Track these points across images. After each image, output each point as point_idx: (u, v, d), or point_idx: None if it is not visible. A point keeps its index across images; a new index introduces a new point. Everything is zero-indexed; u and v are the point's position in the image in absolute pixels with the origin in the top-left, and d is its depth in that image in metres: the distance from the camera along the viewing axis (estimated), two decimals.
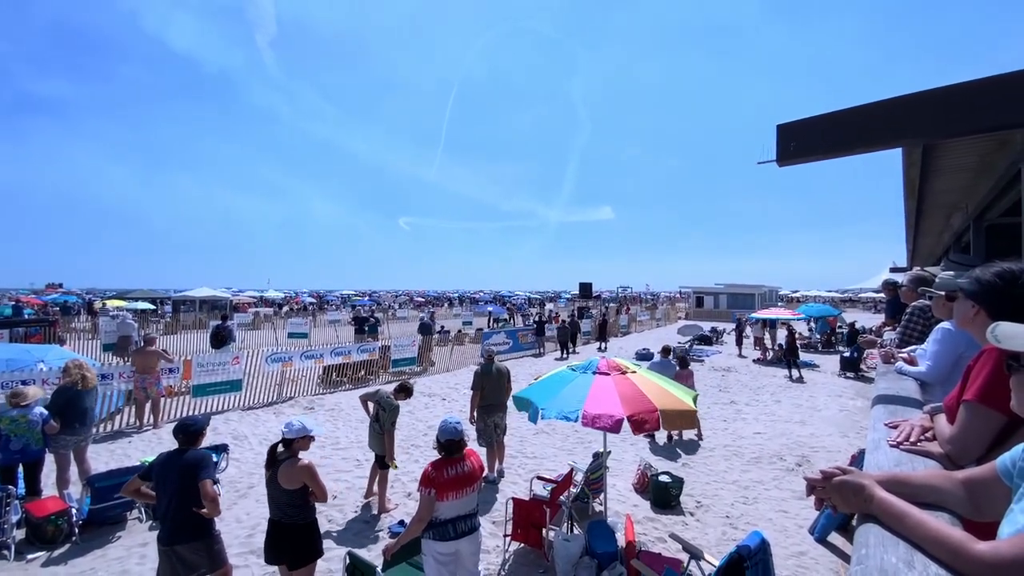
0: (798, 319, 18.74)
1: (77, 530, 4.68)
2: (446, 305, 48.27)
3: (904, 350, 2.65)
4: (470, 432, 4.59)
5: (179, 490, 3.22)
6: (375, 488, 5.45)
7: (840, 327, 20.96)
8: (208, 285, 36.74)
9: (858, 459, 5.34)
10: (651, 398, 4.02)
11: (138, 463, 5.54)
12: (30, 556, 4.39)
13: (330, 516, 5.21)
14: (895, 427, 1.46)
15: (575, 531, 4.66)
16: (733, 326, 20.65)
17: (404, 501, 5.58)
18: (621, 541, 4.34)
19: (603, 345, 20.08)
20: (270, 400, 10.04)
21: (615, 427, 3.78)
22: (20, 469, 5.07)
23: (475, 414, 6.30)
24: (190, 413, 8.58)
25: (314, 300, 48.10)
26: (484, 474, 3.62)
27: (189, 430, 3.41)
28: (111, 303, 28.40)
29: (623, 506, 5.53)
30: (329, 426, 8.42)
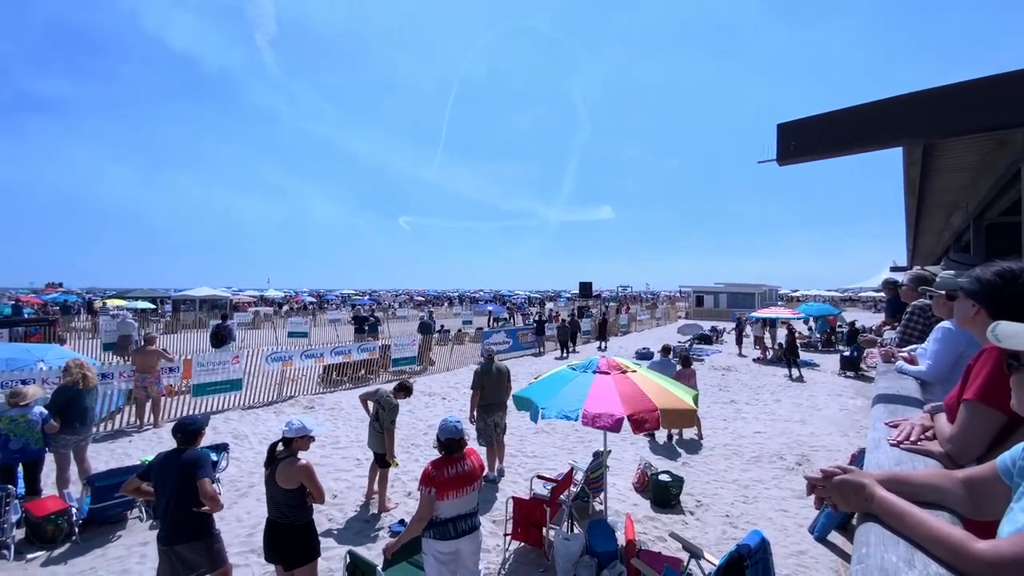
0: (798, 318, 18.74)
1: (77, 529, 4.68)
2: (446, 304, 48.28)
3: (904, 349, 2.65)
4: (470, 431, 4.59)
5: (178, 490, 3.22)
6: (375, 487, 5.45)
7: (840, 326, 20.97)
8: (208, 284, 36.74)
9: (858, 458, 5.34)
10: (651, 397, 4.02)
11: (138, 462, 5.54)
12: (30, 556, 4.39)
13: (330, 515, 5.21)
14: (895, 426, 1.46)
15: (575, 530, 4.67)
16: (733, 325, 20.65)
17: (404, 500, 5.59)
18: (621, 540, 4.35)
19: (603, 344, 20.08)
20: (270, 399, 10.04)
21: (615, 426, 3.78)
22: (20, 468, 5.07)
23: (475, 413, 6.30)
24: (190, 412, 8.59)
25: (314, 299, 48.11)
26: (484, 473, 3.62)
27: (188, 429, 3.41)
28: (111, 302, 28.41)
29: (623, 505, 5.53)
30: (329, 425, 8.42)
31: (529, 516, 4.44)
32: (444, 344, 17.07)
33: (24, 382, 6.36)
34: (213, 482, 3.47)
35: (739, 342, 18.51)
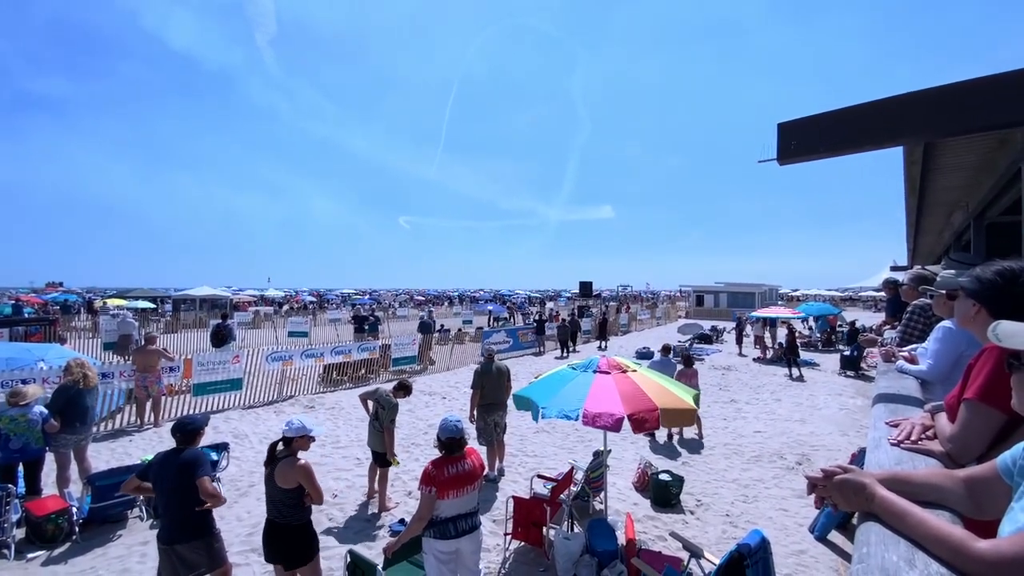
0: (798, 318, 18.73)
1: (77, 529, 4.68)
2: (446, 304, 48.28)
3: (905, 349, 2.65)
4: (470, 431, 4.59)
5: (176, 489, 3.23)
6: (376, 487, 5.46)
7: (840, 326, 20.97)
8: (208, 284, 36.76)
9: (858, 457, 5.34)
10: (651, 397, 4.02)
11: (139, 461, 5.55)
12: (30, 555, 4.40)
13: (331, 515, 5.21)
14: (896, 425, 1.46)
15: (575, 529, 4.67)
16: (733, 325, 20.65)
17: (405, 499, 5.59)
18: (621, 539, 4.35)
19: (603, 344, 20.07)
20: (270, 399, 10.04)
21: (616, 426, 3.78)
22: (20, 468, 5.08)
23: (475, 413, 6.30)
24: (191, 412, 8.60)
25: (314, 299, 48.11)
26: (484, 473, 3.62)
27: (186, 428, 3.41)
28: (111, 302, 28.42)
29: (623, 504, 5.53)
30: (329, 425, 8.42)
31: (529, 515, 4.45)
32: (444, 344, 17.07)
33: (24, 381, 6.37)
34: (213, 480, 3.48)
35: (739, 341, 18.50)
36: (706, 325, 23.04)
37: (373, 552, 4.27)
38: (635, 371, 4.54)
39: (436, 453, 3.37)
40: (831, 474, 1.07)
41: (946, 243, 9.78)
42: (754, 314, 19.34)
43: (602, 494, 5.13)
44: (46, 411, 5.17)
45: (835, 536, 4.89)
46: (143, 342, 8.74)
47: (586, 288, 38.49)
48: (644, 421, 3.83)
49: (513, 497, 4.68)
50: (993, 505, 0.91)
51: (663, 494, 5.55)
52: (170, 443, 3.45)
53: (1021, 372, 0.95)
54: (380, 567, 3.21)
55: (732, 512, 5.42)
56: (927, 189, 5.92)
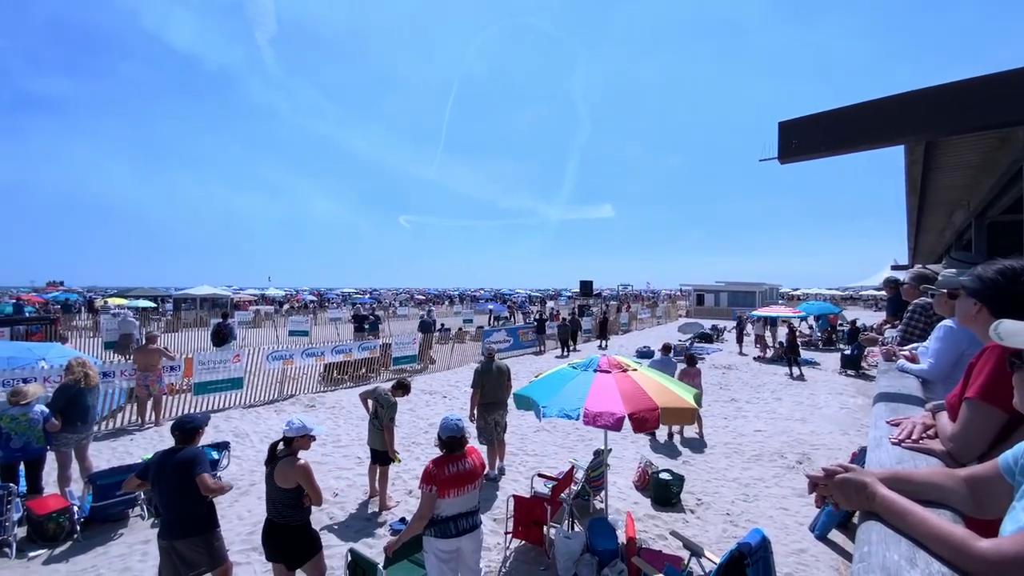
0: (799, 317, 18.72)
1: (79, 528, 4.69)
2: (446, 303, 48.30)
3: (906, 348, 2.65)
4: (471, 430, 4.59)
5: (175, 488, 3.24)
6: (376, 486, 5.46)
7: (841, 325, 20.95)
8: (209, 283, 36.77)
9: (859, 457, 5.34)
10: (652, 396, 4.02)
11: (140, 460, 5.56)
12: (32, 554, 4.40)
13: (331, 514, 5.22)
14: (897, 424, 1.46)
15: (576, 528, 4.67)
16: (734, 324, 20.64)
17: (405, 499, 5.59)
18: (622, 538, 4.35)
19: (604, 343, 20.07)
20: (271, 398, 10.05)
21: (616, 425, 3.78)
22: (21, 467, 5.09)
23: (475, 412, 6.31)
24: (191, 411, 8.61)
25: (315, 298, 48.13)
26: (485, 472, 3.63)
27: (185, 427, 3.43)
28: (112, 301, 28.43)
29: (624, 504, 5.53)
30: (330, 424, 8.43)
31: (530, 514, 4.45)
32: (445, 343, 17.07)
33: (25, 380, 6.37)
34: (213, 476, 3.49)
35: (740, 341, 18.50)
36: (707, 324, 23.02)
37: (374, 551, 4.27)
38: (636, 370, 4.54)
39: (437, 452, 3.37)
40: (832, 473, 1.07)
41: (947, 242, 9.77)
42: (755, 313, 19.33)
43: (603, 493, 5.13)
44: (47, 410, 5.18)
45: (836, 535, 4.89)
46: (144, 341, 8.76)
47: (586, 287, 38.47)
48: (645, 420, 3.83)
49: (514, 496, 4.68)
50: (994, 504, 0.91)
51: (664, 493, 5.55)
52: (171, 442, 3.47)
53: (1023, 371, 0.95)
54: (381, 566, 3.22)
55: (732, 511, 5.42)
56: (928, 188, 5.91)
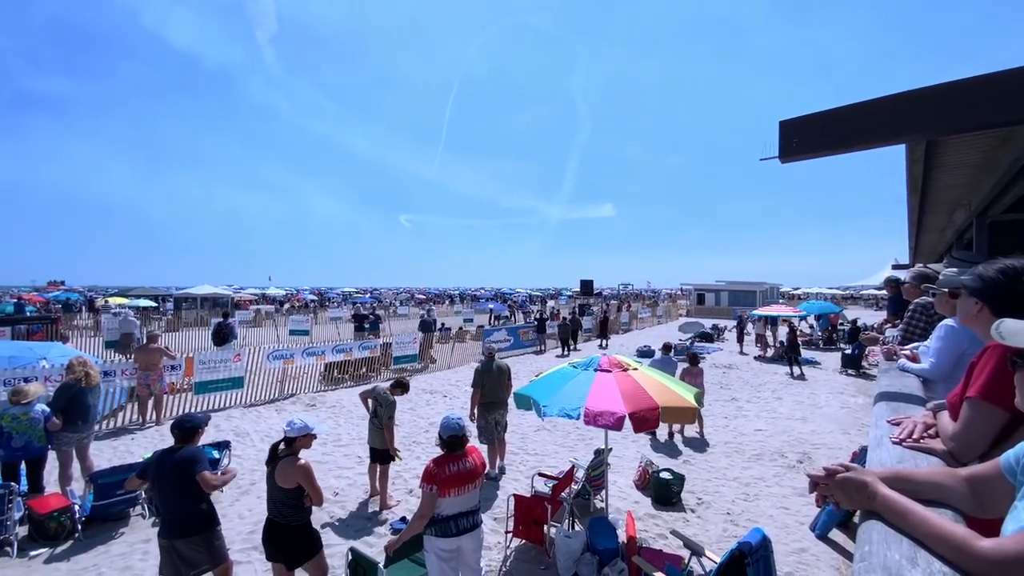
0: (800, 316, 18.71)
1: (80, 526, 4.70)
2: (447, 302, 48.30)
3: (907, 347, 2.65)
4: (471, 429, 4.60)
5: (174, 487, 3.25)
6: (377, 485, 5.47)
7: (842, 324, 20.93)
8: (209, 282, 36.82)
9: (860, 456, 5.34)
10: (653, 395, 4.02)
11: (141, 459, 5.57)
12: (33, 553, 4.41)
13: (332, 512, 5.22)
14: (898, 424, 1.46)
15: (576, 528, 4.68)
16: (734, 323, 20.63)
17: (406, 498, 5.60)
18: (622, 537, 4.35)
19: (604, 342, 20.07)
20: (272, 397, 10.06)
21: (617, 424, 3.78)
22: (23, 466, 5.09)
23: (476, 411, 6.31)
24: (192, 410, 8.62)
25: (315, 297, 48.16)
26: (486, 471, 3.63)
27: (185, 426, 3.43)
28: (113, 300, 28.47)
29: (624, 503, 5.53)
30: (331, 423, 8.44)
31: (530, 514, 4.45)
32: (445, 342, 17.08)
33: (27, 380, 6.38)
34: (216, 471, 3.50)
35: (740, 340, 18.49)
36: (707, 323, 23.02)
37: (374, 550, 4.28)
38: (636, 369, 4.54)
39: (437, 451, 3.38)
40: (833, 472, 1.07)
41: (948, 241, 9.75)
42: (755, 312, 19.32)
43: (603, 492, 5.13)
44: (48, 409, 5.19)
45: (836, 534, 4.89)
46: (145, 340, 8.77)
47: (587, 286, 38.50)
48: (645, 420, 3.83)
49: (514, 495, 4.68)
50: (995, 504, 0.91)
51: (664, 492, 5.55)
52: (172, 441, 3.47)
53: None
54: (381, 565, 3.22)
55: (733, 510, 5.42)
56: (929, 187, 5.89)
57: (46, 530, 4.57)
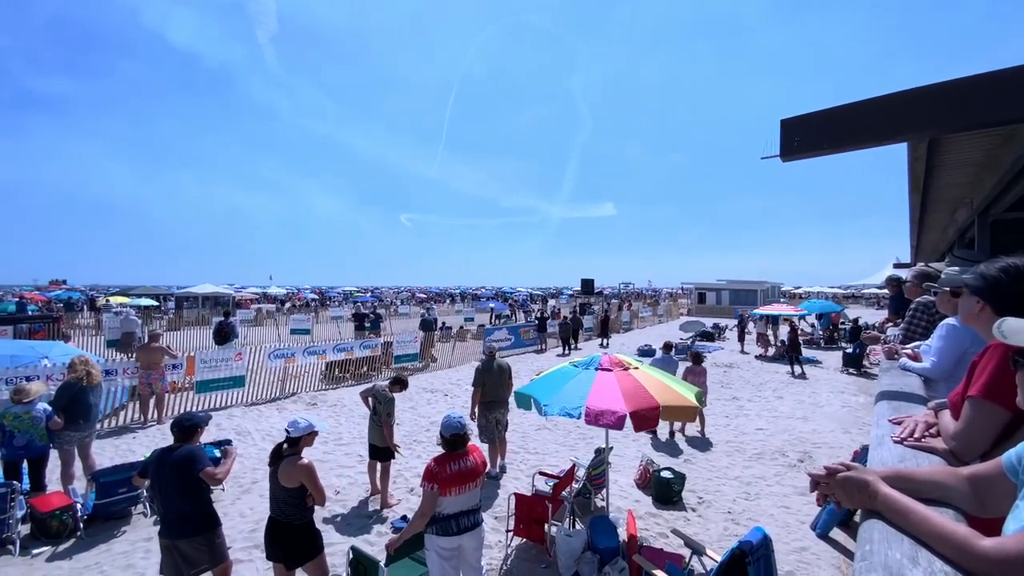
0: (801, 315, 18.69)
1: (82, 525, 4.71)
2: (448, 301, 48.31)
3: (908, 346, 2.64)
4: (472, 428, 4.60)
5: (174, 486, 3.25)
6: (378, 484, 5.48)
7: (843, 323, 20.92)
8: (211, 281, 36.86)
9: (861, 455, 5.34)
10: (654, 394, 4.02)
11: (142, 458, 5.58)
12: (35, 551, 4.42)
13: (333, 511, 5.23)
14: (899, 423, 1.46)
15: (577, 526, 4.68)
16: (735, 322, 20.62)
17: (407, 496, 5.60)
18: (623, 536, 4.35)
19: (605, 341, 20.07)
20: (273, 396, 10.08)
21: (618, 424, 3.78)
22: (25, 465, 5.11)
23: (476, 410, 6.31)
24: (194, 409, 8.63)
25: (316, 296, 48.18)
26: (487, 470, 3.63)
27: (184, 425, 3.43)
28: (114, 299, 28.52)
29: (625, 502, 5.54)
30: (332, 422, 8.45)
31: (531, 512, 4.45)
32: (446, 341, 17.09)
33: (28, 379, 6.40)
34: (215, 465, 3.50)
35: (741, 339, 18.48)
36: (708, 323, 23.00)
37: (375, 548, 4.28)
38: (637, 368, 4.54)
39: (438, 450, 3.38)
40: (834, 471, 1.07)
41: (950, 240, 9.73)
42: (756, 311, 19.31)
43: (604, 491, 5.13)
44: (50, 408, 5.20)
45: (837, 533, 4.89)
46: (147, 339, 8.78)
47: (588, 285, 38.49)
48: (646, 419, 3.83)
49: (515, 494, 4.68)
50: (997, 503, 0.90)
51: (665, 491, 5.55)
52: (173, 440, 3.47)
53: None
54: (383, 563, 3.22)
55: (734, 509, 5.42)
56: (931, 186, 5.88)
57: (48, 528, 4.59)
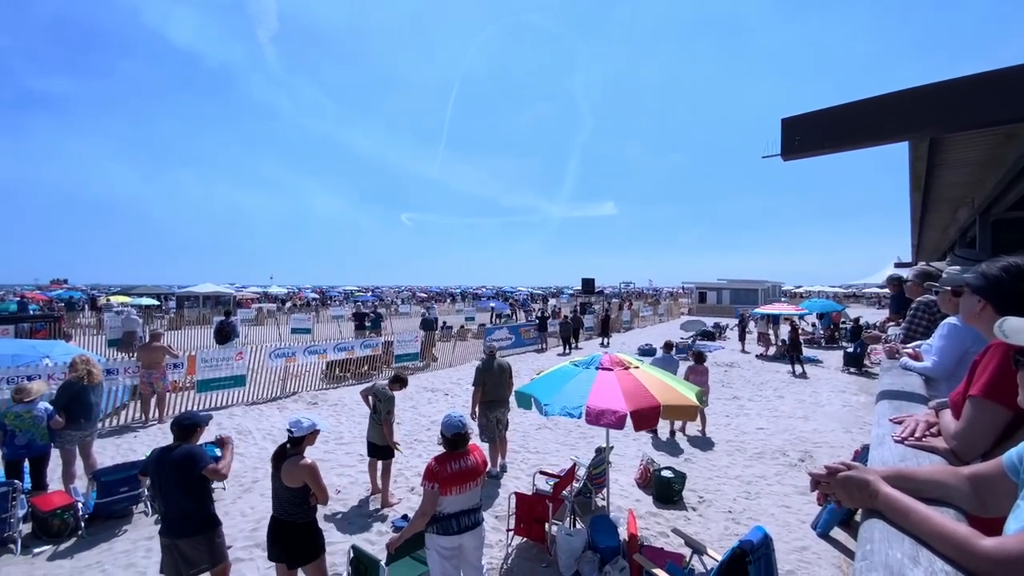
0: (801, 314, 18.68)
1: (83, 524, 4.72)
2: (448, 301, 48.32)
3: (909, 345, 2.64)
4: (473, 427, 4.60)
5: (174, 485, 3.26)
6: (379, 483, 5.49)
7: (844, 322, 20.90)
8: (211, 281, 36.91)
9: (862, 454, 5.33)
10: (654, 394, 4.02)
11: (143, 457, 5.59)
12: (36, 550, 4.43)
13: (334, 510, 5.24)
14: (900, 422, 1.46)
15: (578, 526, 4.68)
16: (736, 321, 20.61)
17: (407, 496, 5.61)
18: (623, 536, 4.35)
19: (606, 341, 20.07)
20: (274, 395, 10.09)
21: (619, 423, 3.77)
22: (26, 464, 5.12)
23: (477, 410, 6.31)
24: (195, 408, 8.65)
25: (317, 296, 48.21)
26: (487, 469, 3.63)
27: (183, 424, 3.44)
28: (115, 299, 28.55)
29: (626, 501, 5.54)
30: (332, 421, 8.45)
31: (532, 512, 4.45)
32: (447, 340, 17.09)
33: (30, 378, 6.41)
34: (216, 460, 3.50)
35: (742, 338, 18.47)
36: (709, 322, 22.98)
37: (376, 547, 4.29)
38: (638, 368, 4.53)
39: (439, 449, 3.38)
40: (834, 471, 1.07)
41: (951, 239, 9.71)
42: (757, 311, 19.30)
43: (604, 490, 5.13)
44: (51, 407, 5.21)
45: (838, 533, 4.88)
46: (148, 339, 8.80)
47: (588, 285, 38.47)
48: (646, 418, 3.83)
49: (516, 493, 4.68)
50: (998, 503, 0.90)
51: (665, 490, 5.55)
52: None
53: None
54: (383, 562, 3.23)
55: (734, 509, 5.42)
56: (932, 185, 5.87)
57: (50, 527, 4.59)
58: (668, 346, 9.99)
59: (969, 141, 4.30)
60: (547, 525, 4.42)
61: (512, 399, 5.51)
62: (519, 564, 4.34)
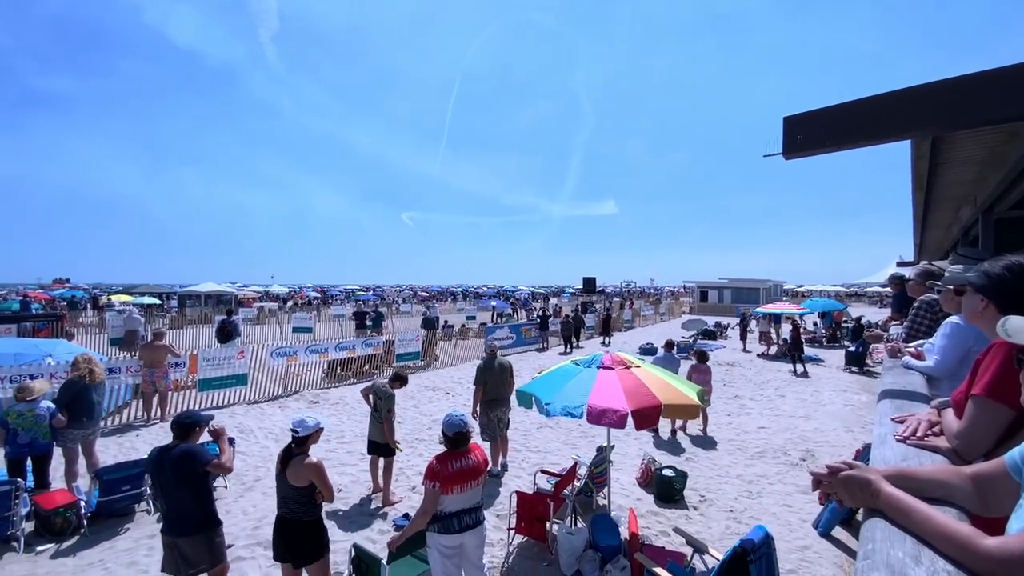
0: (803, 313, 18.66)
1: (86, 522, 4.73)
2: (449, 300, 48.34)
3: (911, 344, 2.63)
4: (474, 426, 4.61)
5: (174, 484, 3.26)
6: (380, 482, 5.50)
7: (845, 322, 20.87)
8: (213, 280, 37.00)
9: (863, 454, 5.33)
10: (655, 393, 4.01)
11: (146, 456, 5.61)
12: (39, 548, 4.45)
13: (335, 508, 5.24)
14: (902, 422, 1.45)
15: (579, 524, 4.68)
16: (737, 320, 20.59)
17: (408, 494, 5.61)
18: (625, 534, 4.35)
19: (607, 340, 20.07)
20: (275, 394, 10.11)
21: (620, 422, 3.77)
22: (29, 462, 5.13)
23: (478, 409, 6.32)
24: (196, 407, 8.68)
25: (318, 295, 48.27)
26: (488, 468, 3.63)
27: (183, 423, 3.44)
28: (117, 298, 28.62)
29: (627, 500, 5.54)
30: (334, 420, 8.47)
31: (533, 510, 4.45)
32: (448, 339, 17.10)
33: (32, 377, 6.43)
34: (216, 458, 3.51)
35: (743, 337, 18.46)
36: (710, 321, 22.96)
37: (378, 546, 4.30)
38: (639, 367, 4.53)
39: (440, 448, 3.38)
40: (836, 470, 1.07)
41: (954, 238, 9.69)
42: (758, 310, 19.28)
43: (605, 489, 5.13)
44: (53, 406, 5.22)
45: (839, 532, 4.88)
46: (151, 338, 8.82)
47: (590, 284, 38.49)
48: (648, 417, 3.83)
49: (517, 492, 4.69)
50: (1000, 502, 0.90)
51: (666, 490, 5.55)
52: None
53: None
54: (385, 561, 3.23)
55: (736, 508, 5.42)
56: (934, 184, 5.85)
57: (52, 526, 4.61)
58: (669, 345, 9.98)
59: (971, 140, 4.29)
60: (548, 524, 4.42)
61: (513, 398, 5.51)
62: (520, 563, 4.35)
